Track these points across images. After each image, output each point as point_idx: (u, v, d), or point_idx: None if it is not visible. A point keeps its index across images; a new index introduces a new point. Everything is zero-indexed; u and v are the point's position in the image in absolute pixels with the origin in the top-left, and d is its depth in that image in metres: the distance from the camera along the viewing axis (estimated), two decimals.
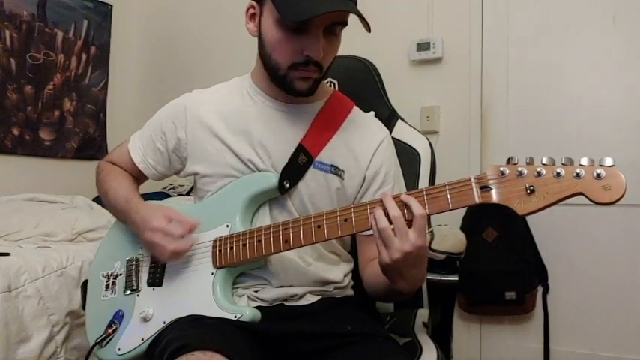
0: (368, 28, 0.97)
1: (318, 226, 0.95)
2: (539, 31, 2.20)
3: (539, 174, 0.80)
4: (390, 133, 1.36)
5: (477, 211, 2.16)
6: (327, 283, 1.10)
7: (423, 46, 2.31)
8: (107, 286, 1.16)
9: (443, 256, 1.31)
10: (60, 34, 2.68)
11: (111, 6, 2.91)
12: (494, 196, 0.83)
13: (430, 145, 1.49)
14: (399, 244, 0.86)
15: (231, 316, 0.97)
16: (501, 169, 0.83)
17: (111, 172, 1.22)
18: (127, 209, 1.12)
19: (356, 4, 1.00)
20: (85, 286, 1.25)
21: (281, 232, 0.98)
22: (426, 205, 0.87)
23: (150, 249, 1.08)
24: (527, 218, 2.16)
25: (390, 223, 0.87)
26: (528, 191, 0.80)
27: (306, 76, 1.02)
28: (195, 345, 0.86)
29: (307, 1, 0.94)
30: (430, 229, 1.34)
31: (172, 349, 0.87)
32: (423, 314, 1.36)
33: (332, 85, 1.49)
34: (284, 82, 1.04)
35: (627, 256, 2.07)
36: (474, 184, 0.84)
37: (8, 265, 1.46)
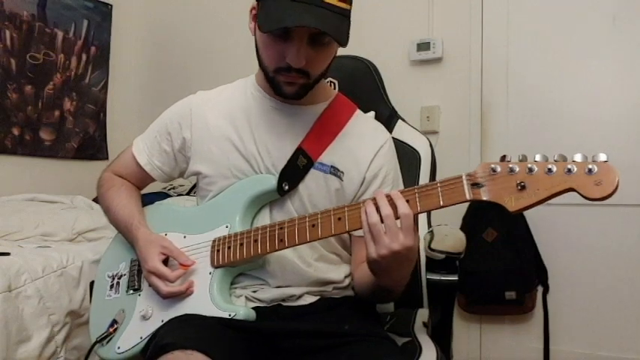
0: (340, 43, 0.96)
1: (313, 225, 0.95)
2: (539, 31, 2.20)
3: (530, 170, 0.80)
4: (390, 133, 1.36)
5: (477, 211, 2.17)
6: (327, 283, 1.11)
7: (423, 46, 2.31)
8: (111, 286, 1.18)
9: (443, 256, 1.31)
10: (60, 34, 2.68)
11: (111, 6, 2.91)
12: (485, 193, 0.82)
13: (430, 144, 1.49)
14: (388, 242, 0.86)
15: (225, 315, 0.98)
16: (492, 165, 0.83)
17: (110, 188, 1.22)
18: (127, 236, 1.16)
19: (346, 15, 0.98)
20: (92, 286, 1.27)
21: (277, 231, 0.99)
22: (418, 202, 0.87)
23: None
24: (528, 218, 2.16)
25: (382, 220, 0.87)
26: (519, 187, 0.80)
27: (291, 81, 1.02)
28: (177, 344, 0.87)
29: (282, 11, 0.93)
30: (430, 229, 1.34)
31: (157, 347, 0.89)
32: (423, 314, 1.36)
33: (332, 85, 1.49)
34: (273, 84, 1.05)
35: (627, 256, 2.07)
36: (465, 181, 0.84)
37: (8, 265, 1.46)
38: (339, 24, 0.96)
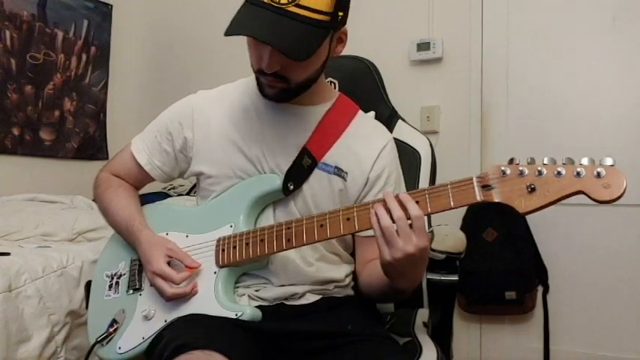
0: (290, 57, 0.91)
1: (321, 225, 0.95)
2: (539, 31, 2.20)
3: (540, 173, 0.81)
4: (391, 132, 1.36)
5: (478, 211, 2.17)
6: (329, 282, 1.11)
7: (423, 46, 2.31)
8: (110, 286, 1.17)
9: (443, 256, 1.31)
10: (60, 34, 2.68)
11: (111, 6, 2.91)
12: (496, 195, 0.84)
13: (430, 144, 1.49)
14: (402, 245, 0.86)
15: (232, 315, 0.98)
16: (503, 168, 0.84)
17: (108, 188, 1.21)
18: (128, 238, 1.14)
19: (319, 26, 0.93)
20: (88, 287, 1.26)
21: (284, 231, 0.98)
22: (428, 204, 0.87)
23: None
24: (528, 218, 2.16)
25: (393, 222, 0.87)
26: (529, 189, 0.81)
27: (270, 84, 1.02)
28: (195, 344, 0.86)
29: (242, 17, 0.94)
30: (430, 229, 1.34)
31: (172, 348, 0.88)
32: (423, 314, 1.36)
33: (332, 85, 1.49)
34: (258, 84, 1.06)
35: (627, 256, 2.07)
36: (475, 183, 0.85)
37: (8, 265, 1.46)
38: (302, 36, 0.91)
